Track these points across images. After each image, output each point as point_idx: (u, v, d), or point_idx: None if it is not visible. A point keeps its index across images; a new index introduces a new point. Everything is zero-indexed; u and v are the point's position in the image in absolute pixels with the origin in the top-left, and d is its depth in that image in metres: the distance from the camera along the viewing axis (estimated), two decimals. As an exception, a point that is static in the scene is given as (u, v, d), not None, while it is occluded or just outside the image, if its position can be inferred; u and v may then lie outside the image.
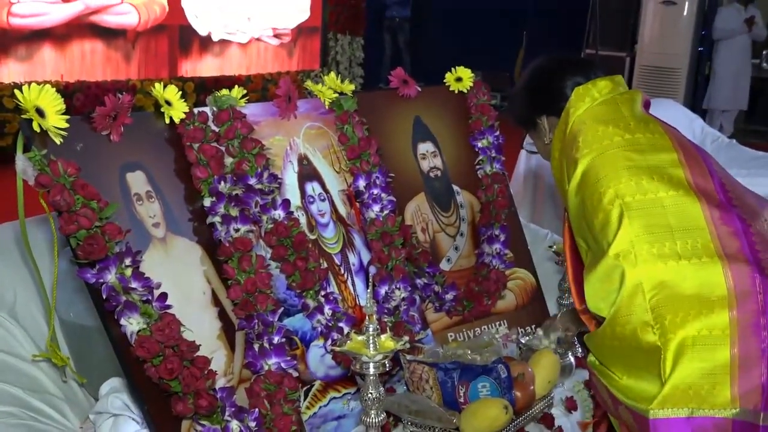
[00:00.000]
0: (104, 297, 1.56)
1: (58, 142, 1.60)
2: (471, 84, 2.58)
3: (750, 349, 1.40)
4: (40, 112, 1.56)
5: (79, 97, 6.04)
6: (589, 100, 1.74)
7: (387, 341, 1.67)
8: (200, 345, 1.67)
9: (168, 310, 1.63)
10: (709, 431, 1.41)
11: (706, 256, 1.45)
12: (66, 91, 5.97)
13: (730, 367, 1.40)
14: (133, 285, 1.57)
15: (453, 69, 2.60)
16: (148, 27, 6.65)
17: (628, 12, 8.85)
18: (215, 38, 7.23)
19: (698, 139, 4.43)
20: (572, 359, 2.24)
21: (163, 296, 1.63)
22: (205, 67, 7.21)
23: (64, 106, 1.60)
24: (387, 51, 9.52)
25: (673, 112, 4.45)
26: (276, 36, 7.76)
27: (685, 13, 8.14)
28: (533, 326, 2.49)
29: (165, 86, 1.88)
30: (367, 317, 1.65)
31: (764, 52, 8.78)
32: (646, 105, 1.80)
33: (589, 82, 1.77)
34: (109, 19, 6.39)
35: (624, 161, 1.59)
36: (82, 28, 6.24)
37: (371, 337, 1.63)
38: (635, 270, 1.47)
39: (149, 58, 6.72)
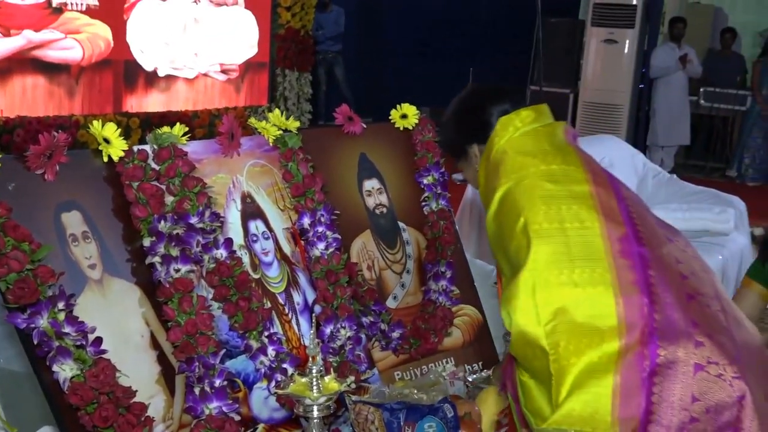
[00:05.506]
0: (35, 342, 1.50)
1: (-12, 182, 1.56)
2: (416, 121, 2.59)
3: (631, 378, 1.45)
4: (-30, 151, 1.51)
5: (19, 133, 5.90)
6: (512, 130, 1.79)
7: (331, 383, 1.64)
8: (137, 391, 1.61)
9: (103, 355, 1.58)
10: None
11: (601, 285, 1.51)
12: (6, 126, 5.83)
13: (612, 396, 1.45)
14: (67, 330, 1.51)
15: (398, 106, 2.61)
16: (93, 62, 6.56)
17: (572, 50, 9.06)
18: (161, 73, 7.15)
19: (640, 174, 4.52)
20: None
21: (98, 341, 1.58)
22: (151, 102, 7.12)
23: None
24: (323, 86, 9.50)
25: (616, 149, 4.54)
26: (223, 71, 7.72)
27: (626, 51, 8.36)
28: (480, 363, 2.48)
29: (104, 124, 1.84)
30: (310, 359, 1.62)
31: (701, 90, 9.05)
32: (574, 137, 1.85)
33: (513, 112, 1.82)
34: (52, 54, 6.28)
35: (538, 190, 1.65)
36: (23, 62, 6.12)
37: (314, 379, 1.60)
38: (534, 296, 1.52)
39: (93, 93, 6.61)
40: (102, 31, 6.58)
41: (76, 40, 6.44)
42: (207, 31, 7.42)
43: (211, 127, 7.20)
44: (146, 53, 6.99)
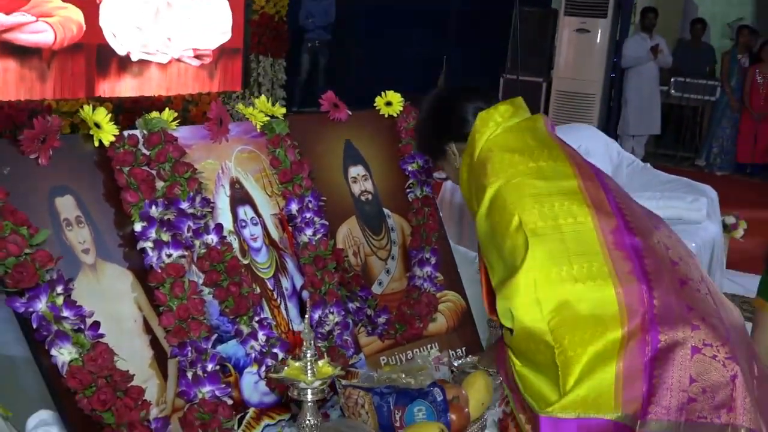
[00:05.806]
0: (34, 327, 1.50)
1: (-16, 167, 1.55)
2: (401, 108, 2.61)
3: (634, 364, 1.50)
4: (-35, 135, 1.51)
5: (-10, 117, 5.82)
6: (493, 125, 1.80)
7: (325, 367, 1.66)
8: (134, 375, 1.62)
9: (100, 339, 1.58)
10: (592, 429, 1.50)
11: (600, 278, 1.55)
12: (-24, 110, 5.75)
13: (615, 381, 1.49)
14: (65, 314, 1.52)
15: (383, 93, 2.62)
16: (65, 46, 6.47)
17: (545, 39, 9.12)
18: (134, 58, 7.07)
19: (614, 163, 4.59)
20: (503, 380, 2.27)
21: (96, 325, 1.59)
22: (123, 87, 7.04)
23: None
24: (303, 74, 9.48)
25: (592, 138, 4.60)
26: (197, 57, 7.65)
27: (598, 40, 8.43)
28: (464, 348, 2.52)
29: (94, 108, 1.83)
30: (304, 343, 1.64)
31: (672, 80, 9.16)
32: (552, 127, 1.88)
33: (491, 107, 1.83)
34: (23, 38, 6.18)
35: (529, 189, 1.68)
36: (-7, 45, 6.02)
37: (309, 363, 1.62)
38: (536, 293, 1.56)
39: (65, 77, 6.52)
40: (74, 14, 6.48)
41: (48, 24, 6.34)
42: (180, 16, 7.35)
43: (185, 112, 7.14)
44: (119, 37, 6.91)
